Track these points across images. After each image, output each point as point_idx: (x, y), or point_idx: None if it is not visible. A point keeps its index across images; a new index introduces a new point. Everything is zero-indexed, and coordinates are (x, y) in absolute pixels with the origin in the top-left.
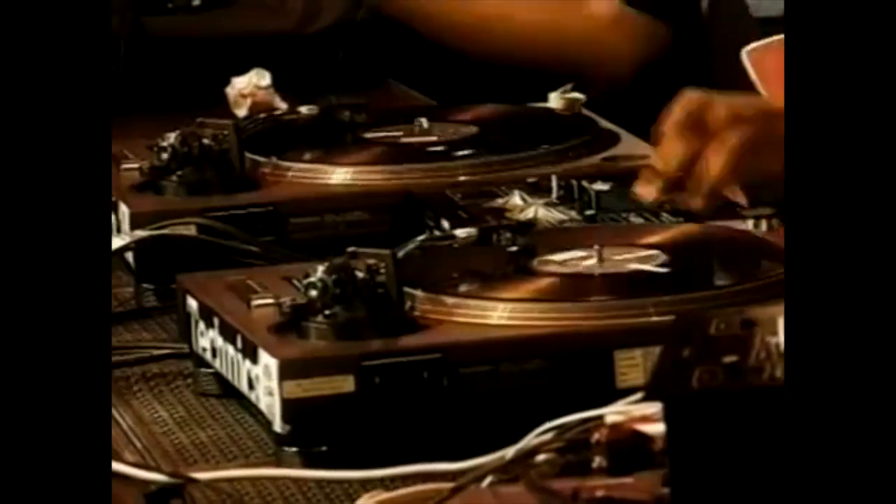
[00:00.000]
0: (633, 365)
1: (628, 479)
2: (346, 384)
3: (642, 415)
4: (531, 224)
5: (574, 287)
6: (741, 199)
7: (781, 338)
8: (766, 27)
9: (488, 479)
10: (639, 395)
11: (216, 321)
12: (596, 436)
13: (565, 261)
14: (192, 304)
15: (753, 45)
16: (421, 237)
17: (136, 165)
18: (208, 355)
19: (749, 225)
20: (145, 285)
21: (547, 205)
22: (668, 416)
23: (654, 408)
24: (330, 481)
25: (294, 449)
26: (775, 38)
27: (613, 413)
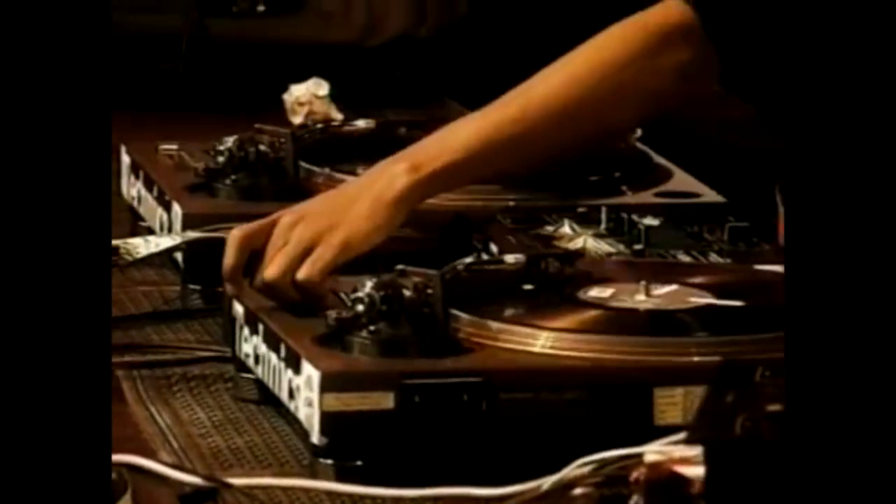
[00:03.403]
0: (673, 403)
1: None
2: (386, 401)
3: (682, 456)
4: (579, 254)
5: (618, 321)
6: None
7: None
8: None
9: None
10: (679, 436)
11: (261, 328)
12: (634, 474)
13: (611, 294)
14: (239, 309)
15: None
16: (469, 259)
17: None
18: (250, 361)
19: None
20: (192, 286)
21: (595, 236)
22: (708, 461)
23: (694, 450)
24: (363, 497)
25: (329, 461)
26: None
27: (653, 452)
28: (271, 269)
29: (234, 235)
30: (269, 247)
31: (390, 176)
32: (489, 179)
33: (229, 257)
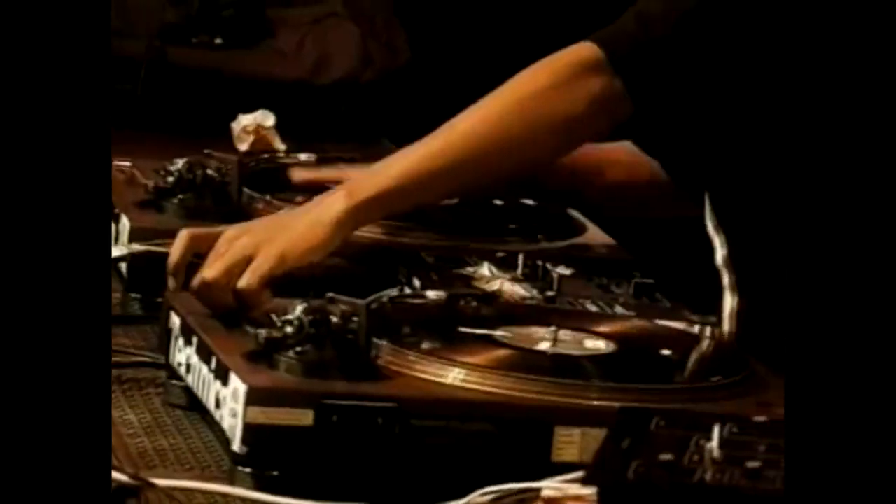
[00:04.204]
0: (571, 442)
1: None
2: (306, 418)
3: (577, 494)
4: (496, 296)
5: (526, 361)
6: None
7: (715, 443)
8: None
9: None
10: (576, 474)
11: (195, 340)
12: None
13: (522, 335)
14: (175, 320)
15: None
16: (393, 291)
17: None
18: (182, 370)
19: (696, 329)
20: (133, 294)
21: (512, 280)
22: (601, 502)
23: (589, 490)
24: None
25: (248, 470)
26: None
27: (550, 488)
28: (211, 271)
29: (184, 234)
30: (211, 252)
31: (327, 202)
32: (420, 207)
33: (175, 253)
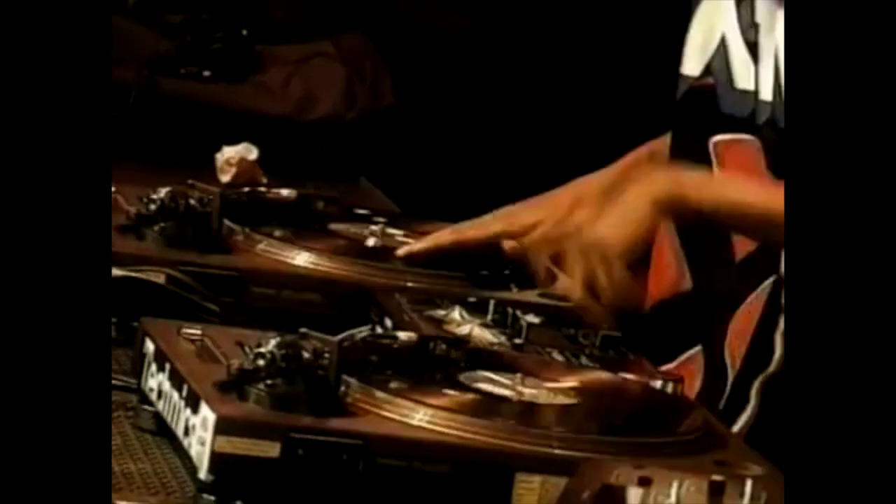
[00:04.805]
0: (531, 489)
1: None
2: (272, 450)
3: None
4: (465, 341)
5: (491, 406)
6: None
7: (673, 500)
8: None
9: None
10: None
11: (167, 367)
12: None
13: (488, 381)
14: (150, 346)
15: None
16: (366, 330)
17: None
18: (153, 395)
19: (658, 384)
20: None
21: (482, 325)
22: None
23: None
24: None
25: (212, 498)
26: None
27: None
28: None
29: (448, 237)
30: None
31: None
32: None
33: (427, 245)
